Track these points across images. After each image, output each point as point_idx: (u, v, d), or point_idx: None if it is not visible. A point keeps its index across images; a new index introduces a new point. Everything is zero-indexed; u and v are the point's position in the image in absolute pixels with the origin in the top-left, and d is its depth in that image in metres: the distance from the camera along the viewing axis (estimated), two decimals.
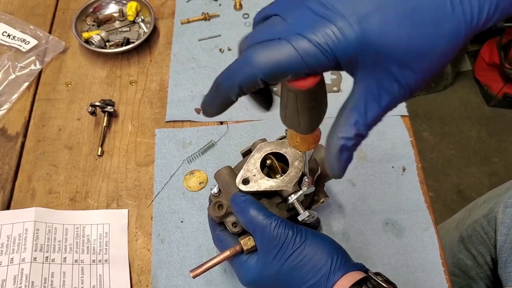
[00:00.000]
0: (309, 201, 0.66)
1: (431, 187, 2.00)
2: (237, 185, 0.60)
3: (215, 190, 0.63)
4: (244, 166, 0.62)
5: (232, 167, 0.66)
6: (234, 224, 0.62)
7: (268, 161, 0.63)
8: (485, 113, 2.25)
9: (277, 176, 0.62)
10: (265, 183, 0.60)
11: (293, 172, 0.61)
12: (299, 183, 0.60)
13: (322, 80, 0.42)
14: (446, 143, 2.16)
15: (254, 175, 0.61)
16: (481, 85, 2.28)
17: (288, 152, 0.62)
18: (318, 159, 0.68)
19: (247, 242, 0.59)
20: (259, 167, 0.61)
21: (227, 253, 0.59)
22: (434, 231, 0.77)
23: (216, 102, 0.44)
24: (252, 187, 0.60)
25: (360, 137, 0.40)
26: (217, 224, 0.64)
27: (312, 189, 0.61)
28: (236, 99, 0.42)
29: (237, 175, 0.62)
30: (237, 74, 0.40)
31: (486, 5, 0.37)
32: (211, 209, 0.62)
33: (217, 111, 0.45)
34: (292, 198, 0.59)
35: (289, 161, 0.61)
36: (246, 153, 0.68)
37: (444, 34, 0.37)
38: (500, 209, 0.92)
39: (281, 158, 0.63)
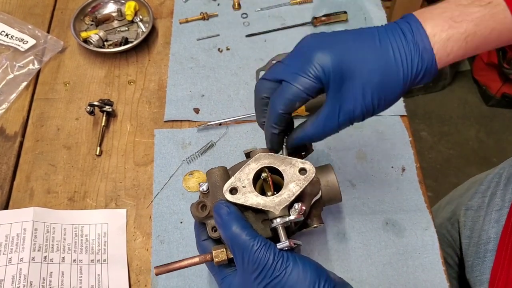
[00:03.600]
0: (299, 224, 0.62)
1: (430, 187, 2.00)
2: (223, 192, 0.56)
3: (204, 187, 0.60)
4: (236, 174, 0.57)
5: (228, 168, 0.62)
6: (214, 228, 0.58)
7: (263, 174, 0.58)
8: (483, 113, 2.25)
9: (268, 193, 0.57)
10: (252, 198, 0.55)
11: (285, 194, 0.55)
12: (289, 207, 0.55)
13: None
14: (445, 143, 2.16)
15: (244, 186, 0.56)
16: (479, 85, 2.28)
17: (286, 170, 0.57)
18: (323, 181, 0.64)
19: (218, 255, 0.56)
20: (251, 180, 0.57)
21: (195, 259, 0.56)
22: (434, 231, 0.77)
23: (267, 136, 0.62)
24: (238, 199, 0.56)
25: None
26: (202, 231, 0.61)
27: (301, 219, 0.56)
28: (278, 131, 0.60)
29: (229, 178, 0.58)
30: (270, 118, 0.59)
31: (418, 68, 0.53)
32: (194, 207, 0.59)
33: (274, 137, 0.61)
34: (277, 223, 0.54)
35: (285, 181, 0.56)
36: (248, 154, 0.64)
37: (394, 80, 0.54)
38: (461, 212, 0.91)
39: (278, 175, 0.58)
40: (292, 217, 0.54)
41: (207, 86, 0.94)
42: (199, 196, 0.62)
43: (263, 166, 0.58)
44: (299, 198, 0.56)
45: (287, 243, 0.52)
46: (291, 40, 1.00)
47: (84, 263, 0.74)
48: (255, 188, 0.57)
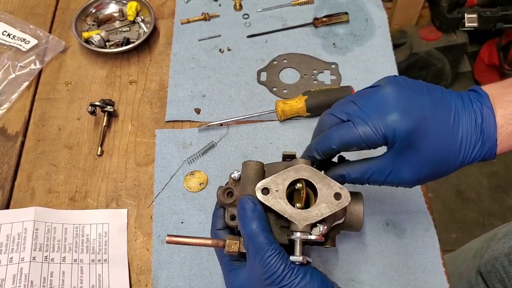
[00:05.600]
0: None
1: (430, 187, 2.00)
2: (255, 189, 0.57)
3: (236, 175, 0.60)
4: (273, 176, 0.57)
5: (265, 164, 0.62)
6: (233, 216, 0.59)
7: (299, 185, 0.58)
8: None
9: (297, 205, 0.57)
10: (280, 205, 0.56)
11: (314, 212, 0.55)
12: (312, 225, 0.56)
13: None
14: None
15: (277, 191, 0.57)
16: None
17: (322, 190, 0.57)
18: (349, 209, 0.63)
19: (231, 245, 0.57)
20: (286, 186, 0.57)
21: (208, 241, 0.58)
22: (434, 232, 0.77)
23: (307, 154, 0.62)
24: (267, 200, 0.56)
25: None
26: (220, 219, 0.62)
27: (321, 241, 0.56)
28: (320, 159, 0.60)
29: (264, 175, 0.59)
30: (321, 146, 0.59)
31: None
32: (221, 190, 0.60)
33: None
34: (296, 237, 0.55)
35: (318, 199, 0.56)
36: (286, 157, 0.64)
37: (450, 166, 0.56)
38: None
39: (313, 189, 0.59)
40: (313, 236, 0.55)
41: (208, 87, 0.94)
42: (228, 182, 0.62)
43: (301, 178, 0.58)
44: (324, 219, 0.56)
45: (301, 258, 0.53)
46: (292, 41, 1.01)
47: (85, 262, 0.74)
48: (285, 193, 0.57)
